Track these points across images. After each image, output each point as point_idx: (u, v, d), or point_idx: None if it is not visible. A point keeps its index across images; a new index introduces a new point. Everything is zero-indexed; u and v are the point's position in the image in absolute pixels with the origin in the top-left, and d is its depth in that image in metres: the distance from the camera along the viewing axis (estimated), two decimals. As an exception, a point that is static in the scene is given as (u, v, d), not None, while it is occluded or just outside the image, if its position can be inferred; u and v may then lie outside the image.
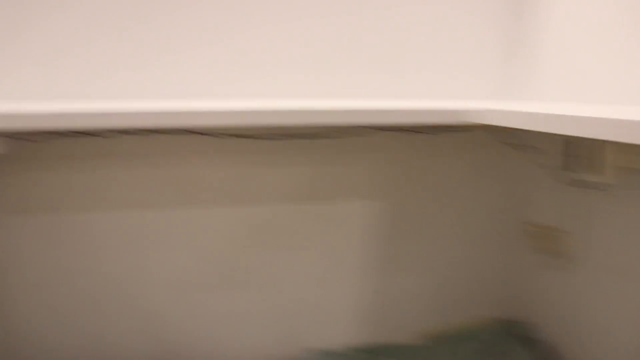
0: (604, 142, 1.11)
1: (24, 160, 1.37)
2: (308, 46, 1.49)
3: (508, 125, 1.06)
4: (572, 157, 1.34)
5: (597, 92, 1.31)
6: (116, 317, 1.51)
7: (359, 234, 1.60)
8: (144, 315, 1.52)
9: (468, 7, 1.57)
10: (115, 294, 1.49)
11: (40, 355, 1.49)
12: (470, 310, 1.73)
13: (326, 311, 1.63)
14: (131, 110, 1.03)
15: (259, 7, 1.44)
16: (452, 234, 1.66)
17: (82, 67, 1.38)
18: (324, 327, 1.63)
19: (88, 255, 1.46)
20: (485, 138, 1.61)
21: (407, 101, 1.38)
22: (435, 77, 1.58)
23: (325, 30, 1.49)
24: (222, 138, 1.43)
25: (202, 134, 1.41)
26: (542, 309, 1.61)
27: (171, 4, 1.40)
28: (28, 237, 1.42)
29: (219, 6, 1.42)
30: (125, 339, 1.52)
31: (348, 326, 1.65)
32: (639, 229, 1.22)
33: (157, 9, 1.39)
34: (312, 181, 1.53)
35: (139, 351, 1.53)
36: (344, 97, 1.52)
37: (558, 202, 1.50)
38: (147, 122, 1.04)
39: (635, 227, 1.23)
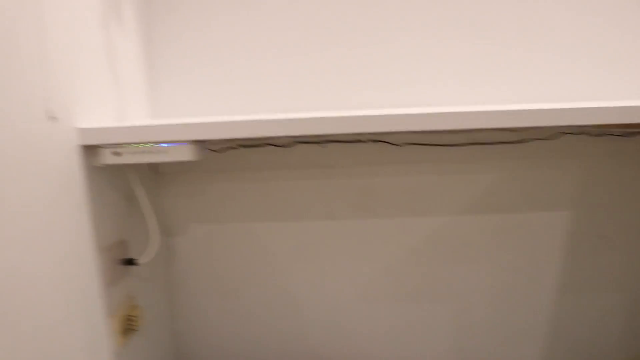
0: None
1: (206, 171, 1.41)
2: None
3: None
4: None
5: None
6: (288, 328, 1.50)
7: (544, 247, 1.46)
8: (319, 326, 1.51)
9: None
10: (289, 304, 1.49)
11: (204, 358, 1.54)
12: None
13: (508, 330, 1.51)
14: (316, 117, 1.01)
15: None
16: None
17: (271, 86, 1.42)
18: (504, 348, 1.52)
19: (263, 265, 1.46)
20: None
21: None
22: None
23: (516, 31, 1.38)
24: (400, 146, 1.38)
25: (380, 141, 1.38)
26: None
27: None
28: (204, 244, 1.45)
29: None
30: (296, 350, 1.52)
31: (532, 348, 1.52)
32: None
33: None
34: (494, 190, 1.42)
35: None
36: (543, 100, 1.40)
37: None
38: (327, 129, 1.01)
39: None
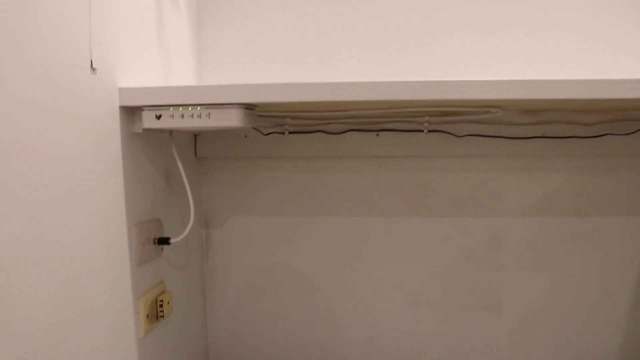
0: None
1: (248, 157, 1.33)
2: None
3: None
4: None
5: None
6: (325, 335, 1.38)
7: (619, 257, 1.31)
8: (359, 335, 1.38)
9: None
10: (328, 308, 1.37)
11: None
12: None
13: (574, 351, 1.35)
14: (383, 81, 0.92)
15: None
16: None
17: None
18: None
19: (304, 263, 1.36)
20: None
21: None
22: None
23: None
24: (460, 138, 1.27)
25: (439, 132, 1.27)
26: None
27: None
28: (243, 237, 1.36)
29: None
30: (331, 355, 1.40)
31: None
32: None
33: None
34: (563, 190, 1.30)
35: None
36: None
37: None
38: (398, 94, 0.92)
39: None
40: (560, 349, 1.35)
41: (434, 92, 0.90)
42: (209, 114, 0.96)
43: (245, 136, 1.30)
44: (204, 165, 1.35)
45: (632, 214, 1.29)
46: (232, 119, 0.96)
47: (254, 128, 1.29)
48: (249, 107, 0.99)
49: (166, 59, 1.17)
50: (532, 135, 1.25)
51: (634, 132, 1.24)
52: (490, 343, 1.35)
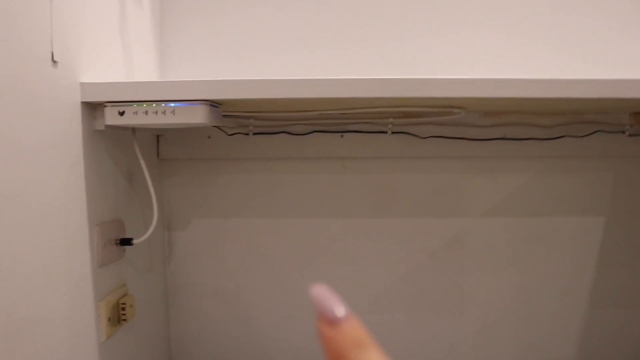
0: None
1: (211, 159, 1.31)
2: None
3: None
4: None
5: None
6: (292, 338, 1.36)
7: (577, 255, 1.34)
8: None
9: None
10: (294, 311, 1.36)
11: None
12: None
13: (539, 348, 1.37)
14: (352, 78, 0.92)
15: None
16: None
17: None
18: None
19: (269, 265, 1.34)
20: None
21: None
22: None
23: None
24: (424, 139, 1.29)
25: (403, 133, 1.28)
26: None
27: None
28: (206, 240, 1.34)
29: None
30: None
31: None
32: None
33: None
34: (523, 191, 1.32)
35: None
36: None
37: None
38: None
39: None
40: (522, 348, 1.37)
41: (398, 90, 0.91)
42: (174, 110, 0.94)
43: (209, 137, 1.29)
44: (166, 166, 1.32)
45: (589, 214, 1.33)
46: (198, 116, 0.95)
47: (218, 128, 1.28)
48: (214, 105, 0.98)
49: (128, 55, 1.15)
50: (493, 137, 1.28)
51: (589, 135, 1.28)
52: (454, 344, 1.36)
